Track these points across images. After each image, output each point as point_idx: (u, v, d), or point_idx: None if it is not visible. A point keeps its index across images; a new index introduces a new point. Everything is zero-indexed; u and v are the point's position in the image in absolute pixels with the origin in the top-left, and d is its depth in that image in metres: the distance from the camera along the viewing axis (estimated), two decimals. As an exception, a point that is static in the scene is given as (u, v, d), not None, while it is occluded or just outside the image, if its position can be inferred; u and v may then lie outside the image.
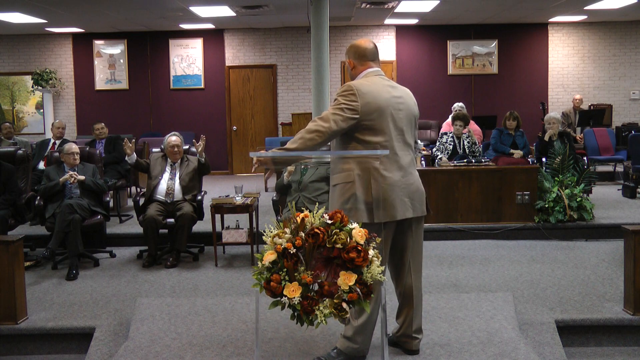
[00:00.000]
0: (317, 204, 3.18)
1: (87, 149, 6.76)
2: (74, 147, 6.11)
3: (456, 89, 12.20)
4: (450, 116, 8.74)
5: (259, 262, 2.96)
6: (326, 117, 3.23)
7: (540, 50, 12.27)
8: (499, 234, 6.68)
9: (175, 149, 6.06)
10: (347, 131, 3.26)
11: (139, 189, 8.33)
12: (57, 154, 6.35)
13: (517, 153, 7.83)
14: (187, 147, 6.38)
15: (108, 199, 6.34)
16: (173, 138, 6.10)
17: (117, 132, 9.29)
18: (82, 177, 5.94)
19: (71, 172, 5.93)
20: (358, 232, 2.92)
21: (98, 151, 6.88)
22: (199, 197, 6.07)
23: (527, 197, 6.76)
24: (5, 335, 4.28)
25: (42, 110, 12.30)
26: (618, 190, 8.90)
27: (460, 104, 9.30)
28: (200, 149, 6.02)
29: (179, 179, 6.05)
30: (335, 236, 2.91)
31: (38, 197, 5.94)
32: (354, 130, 3.26)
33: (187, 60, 12.20)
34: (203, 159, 6.05)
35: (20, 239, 4.42)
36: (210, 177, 10.65)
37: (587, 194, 7.21)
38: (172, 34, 12.11)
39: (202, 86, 12.24)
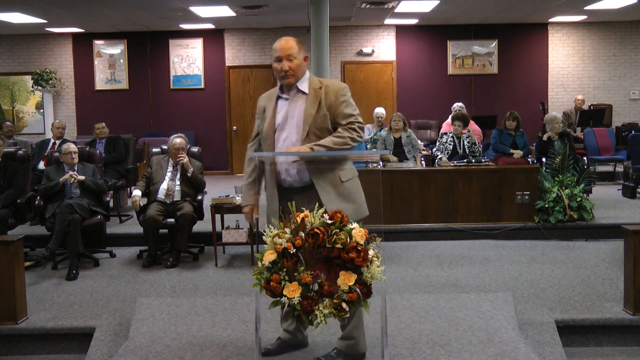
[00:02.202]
0: (317, 204, 3.16)
1: (87, 149, 6.76)
2: (72, 147, 6.11)
3: (456, 89, 12.20)
4: (450, 116, 8.74)
5: (259, 262, 2.97)
6: (360, 127, 3.35)
7: (540, 50, 12.26)
8: (499, 234, 6.68)
9: (181, 152, 6.05)
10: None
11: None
12: (56, 154, 6.36)
13: (517, 153, 7.82)
14: (188, 147, 6.36)
15: (108, 199, 6.34)
16: (178, 140, 6.09)
17: (117, 132, 9.29)
18: (82, 177, 5.95)
19: (71, 172, 5.94)
20: (358, 232, 2.92)
21: (98, 151, 6.88)
22: (199, 197, 6.07)
23: (527, 197, 6.76)
24: (5, 335, 4.28)
25: (42, 110, 12.30)
26: (618, 190, 8.90)
27: (460, 104, 9.30)
28: (185, 161, 5.99)
29: (180, 180, 6.05)
30: (335, 236, 2.91)
31: (38, 197, 5.95)
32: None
33: (187, 60, 12.20)
34: (189, 173, 6.02)
35: (20, 239, 4.42)
36: (210, 177, 10.66)
37: (587, 194, 7.20)
38: (172, 34, 12.11)
39: (202, 86, 12.24)
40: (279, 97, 3.42)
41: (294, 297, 2.87)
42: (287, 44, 3.33)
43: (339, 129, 3.29)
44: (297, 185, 3.34)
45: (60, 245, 5.71)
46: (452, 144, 7.80)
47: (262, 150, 3.46)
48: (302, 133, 3.28)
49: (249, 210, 3.50)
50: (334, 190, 3.32)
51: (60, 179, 5.90)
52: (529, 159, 7.83)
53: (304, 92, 3.36)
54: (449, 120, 8.71)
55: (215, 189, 8.65)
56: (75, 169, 6.06)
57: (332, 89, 3.35)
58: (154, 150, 6.63)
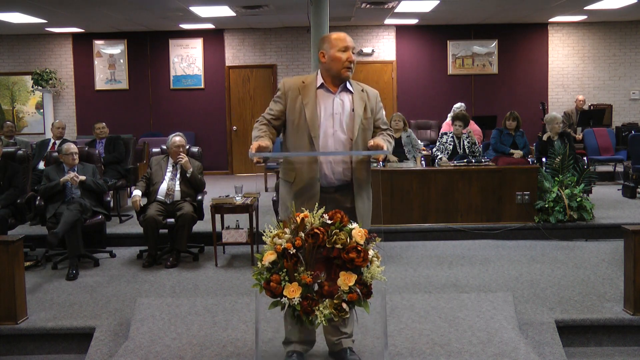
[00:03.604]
0: (316, 204, 3.15)
1: (86, 148, 6.75)
2: (73, 147, 6.11)
3: (456, 89, 12.20)
4: (449, 116, 8.74)
5: (259, 262, 2.96)
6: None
7: (540, 50, 12.26)
8: (499, 234, 6.68)
9: (180, 149, 6.05)
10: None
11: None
12: (55, 154, 6.36)
13: (517, 153, 7.83)
14: (188, 147, 6.36)
15: (109, 199, 6.34)
16: (177, 138, 6.10)
17: (117, 132, 9.30)
18: (82, 178, 5.94)
19: (72, 173, 5.93)
20: (358, 232, 2.92)
21: (97, 151, 6.88)
22: (199, 197, 6.07)
23: (527, 197, 6.76)
24: (5, 335, 4.28)
25: (42, 110, 12.30)
26: (618, 190, 8.90)
27: (461, 104, 9.31)
28: (183, 161, 6.00)
29: (180, 180, 6.05)
30: (335, 236, 2.90)
31: (38, 198, 5.95)
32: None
33: (187, 60, 12.20)
34: (189, 173, 6.01)
35: (20, 239, 4.42)
36: (210, 177, 10.66)
37: (587, 194, 7.20)
38: (172, 34, 12.11)
39: (202, 86, 12.24)
40: (321, 88, 3.30)
41: (294, 298, 2.87)
42: (349, 37, 3.28)
43: (384, 133, 3.38)
44: (336, 184, 3.29)
45: (60, 245, 5.72)
46: (452, 144, 7.80)
47: (286, 137, 3.36)
48: (353, 132, 3.25)
49: (259, 143, 3.11)
50: (364, 192, 3.36)
51: (61, 179, 5.90)
52: (529, 159, 7.83)
53: (350, 91, 3.32)
54: (449, 120, 8.72)
55: (215, 189, 8.64)
56: (76, 169, 6.06)
57: (371, 94, 3.39)
58: (154, 150, 6.63)
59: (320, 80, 3.31)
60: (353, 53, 3.25)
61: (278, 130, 3.35)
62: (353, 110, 3.27)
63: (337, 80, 3.28)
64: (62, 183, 5.89)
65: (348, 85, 3.32)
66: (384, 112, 3.45)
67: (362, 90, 3.35)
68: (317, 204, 3.03)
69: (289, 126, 3.32)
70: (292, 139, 3.30)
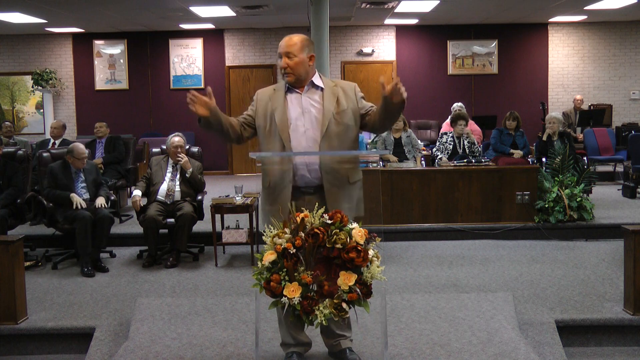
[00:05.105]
0: (316, 203, 3.13)
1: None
2: (84, 150, 6.04)
3: (456, 89, 12.20)
4: (449, 117, 8.73)
5: (259, 262, 2.96)
6: None
7: (540, 50, 12.26)
8: (499, 234, 6.68)
9: (179, 150, 6.05)
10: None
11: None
12: (46, 154, 6.37)
13: (517, 153, 7.83)
14: (188, 147, 6.36)
15: (113, 197, 6.34)
16: (176, 139, 6.09)
17: (117, 132, 9.29)
18: (103, 201, 5.89)
19: (102, 203, 5.86)
20: (358, 232, 2.91)
21: (89, 150, 6.83)
22: (199, 197, 6.07)
23: (527, 197, 6.76)
24: (5, 335, 4.28)
25: (42, 110, 12.30)
26: (618, 190, 8.91)
27: (460, 104, 9.30)
28: (183, 162, 6.00)
29: (180, 180, 6.04)
30: (335, 236, 2.90)
31: (44, 199, 5.90)
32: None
33: (187, 60, 12.20)
34: (188, 174, 6.01)
35: (20, 239, 4.42)
36: (210, 177, 10.66)
37: (587, 194, 7.20)
38: (172, 34, 12.11)
39: (202, 86, 12.23)
40: (289, 91, 3.29)
41: (294, 297, 2.87)
42: (290, 41, 3.23)
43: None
44: (313, 184, 3.25)
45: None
46: (452, 144, 7.80)
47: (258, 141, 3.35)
48: (322, 128, 3.23)
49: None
50: (340, 192, 3.27)
51: (70, 194, 5.78)
52: (529, 159, 7.83)
53: (319, 88, 3.30)
54: (449, 120, 8.71)
55: (215, 189, 8.64)
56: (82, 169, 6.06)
57: (347, 87, 3.35)
58: (154, 150, 6.63)
59: (286, 84, 3.31)
60: (289, 57, 3.20)
61: (245, 132, 3.37)
62: (323, 106, 3.26)
63: (296, 83, 3.28)
64: (72, 200, 5.83)
65: (317, 81, 3.30)
66: (365, 100, 3.38)
67: (335, 85, 3.33)
68: (291, 205, 2.98)
69: (261, 133, 3.32)
70: (265, 145, 3.29)
